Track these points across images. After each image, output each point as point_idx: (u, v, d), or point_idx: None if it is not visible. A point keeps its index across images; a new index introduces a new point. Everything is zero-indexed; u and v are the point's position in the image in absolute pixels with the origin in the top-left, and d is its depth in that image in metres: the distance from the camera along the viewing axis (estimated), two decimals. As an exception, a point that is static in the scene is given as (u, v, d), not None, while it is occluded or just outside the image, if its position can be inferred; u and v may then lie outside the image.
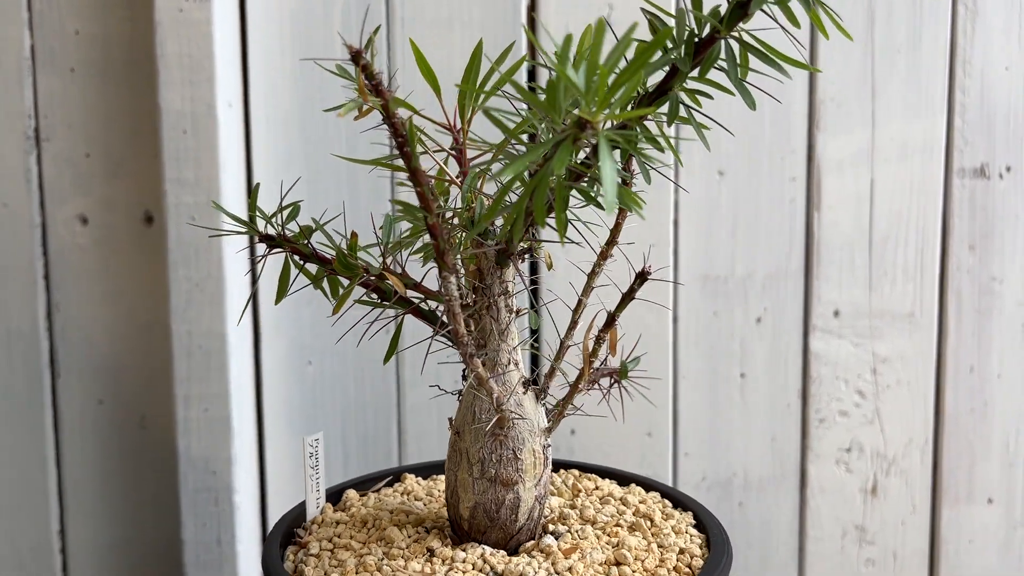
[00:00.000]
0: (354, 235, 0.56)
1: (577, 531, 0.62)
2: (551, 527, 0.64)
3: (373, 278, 0.55)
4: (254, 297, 0.94)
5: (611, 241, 0.58)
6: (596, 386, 0.60)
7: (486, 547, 0.61)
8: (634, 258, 0.96)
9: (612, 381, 0.61)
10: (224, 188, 0.87)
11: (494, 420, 0.56)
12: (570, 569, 0.57)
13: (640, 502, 0.67)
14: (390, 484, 0.73)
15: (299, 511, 0.68)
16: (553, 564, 0.58)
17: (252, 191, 0.56)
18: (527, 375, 0.59)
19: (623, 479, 0.71)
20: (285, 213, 0.59)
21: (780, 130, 0.95)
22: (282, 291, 0.60)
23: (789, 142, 0.96)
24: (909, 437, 0.99)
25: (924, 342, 0.98)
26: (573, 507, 0.66)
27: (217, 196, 0.86)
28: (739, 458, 1.00)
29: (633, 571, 0.57)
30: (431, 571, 0.58)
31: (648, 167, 0.54)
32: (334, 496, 0.70)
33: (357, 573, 0.58)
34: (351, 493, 0.70)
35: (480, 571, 0.58)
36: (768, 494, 1.00)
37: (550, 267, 0.61)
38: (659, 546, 0.60)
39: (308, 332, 0.96)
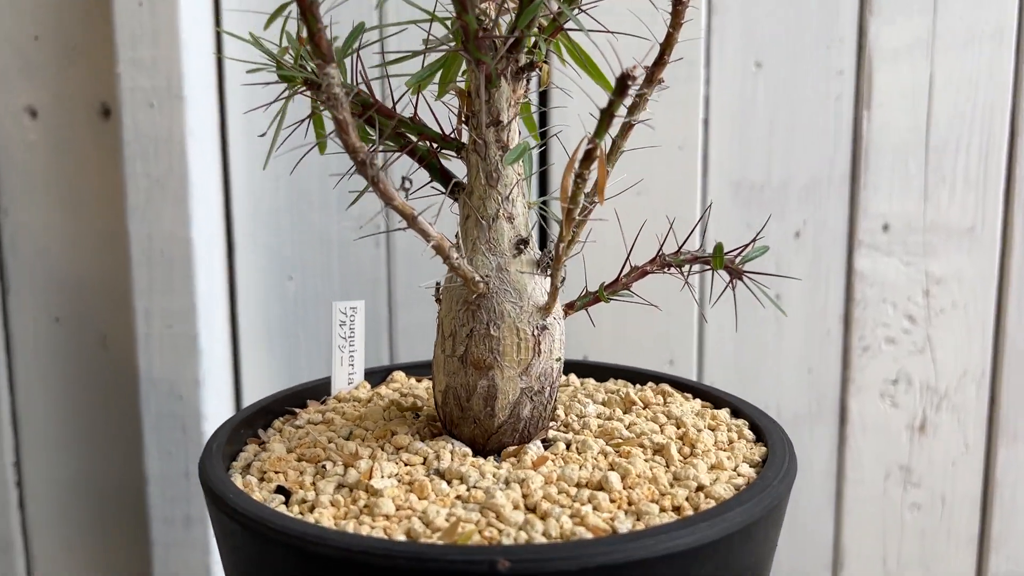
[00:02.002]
0: (300, 39, 0.43)
1: (578, 444, 0.51)
2: (552, 433, 0.53)
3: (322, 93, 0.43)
4: (227, 200, 0.83)
5: (660, 61, 0.45)
6: (672, 271, 0.49)
7: (457, 443, 0.51)
8: (660, 163, 0.84)
9: (732, 279, 0.51)
10: (187, 70, 0.75)
11: (445, 279, 0.45)
12: (523, 482, 0.47)
13: (707, 428, 0.55)
14: None
15: (316, 385, 0.63)
16: (509, 474, 0.48)
17: (283, 25, 0.44)
18: (525, 234, 0.48)
19: (718, 401, 0.60)
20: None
21: (827, 15, 0.83)
22: (321, 143, 0.49)
23: (836, 29, 0.83)
24: (964, 368, 0.88)
25: (985, 260, 0.86)
26: (610, 419, 0.55)
27: (178, 79, 0.75)
28: (771, 391, 0.89)
29: (613, 500, 0.46)
30: (367, 455, 0.51)
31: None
32: (382, 374, 0.66)
33: (307, 448, 0.53)
34: (398, 375, 0.66)
35: (426, 466, 0.50)
36: (803, 431, 0.89)
37: (544, 82, 0.49)
38: (675, 478, 0.49)
39: (288, 243, 0.85)
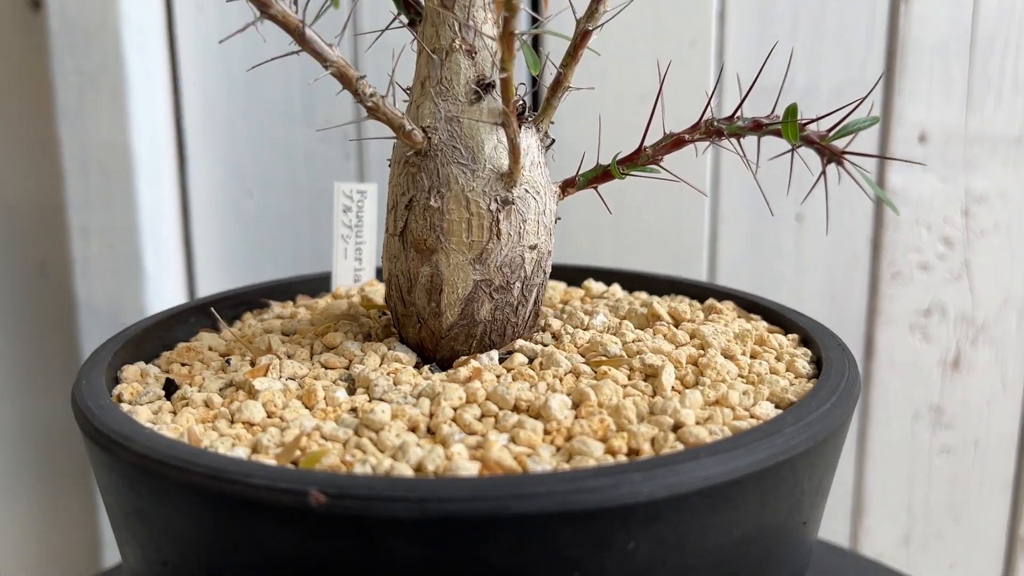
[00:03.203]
0: None
1: (545, 357, 0.42)
2: (522, 343, 0.44)
3: None
4: (177, 105, 0.73)
5: None
6: (725, 143, 0.38)
7: (401, 347, 0.43)
8: (668, 63, 0.74)
9: (827, 160, 0.39)
10: (120, -54, 0.65)
11: (365, 117, 0.36)
12: (434, 399, 0.38)
13: (742, 355, 0.44)
14: None
15: (316, 278, 0.56)
16: (428, 387, 0.39)
17: None
18: (490, 75, 0.37)
19: (790, 326, 0.48)
20: None
21: None
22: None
23: (873, -92, 0.73)
24: (1004, 297, 0.79)
25: (1033, 176, 0.77)
26: (615, 333, 0.45)
27: (110, -43, 0.65)
28: (789, 322, 0.80)
29: (548, 432, 0.36)
30: (282, 352, 0.44)
31: None
32: None
33: (239, 342, 0.47)
34: None
35: (341, 370, 0.42)
36: (824, 366, 0.81)
37: None
38: (649, 412, 0.38)
39: (247, 155, 0.76)
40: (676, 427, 0.37)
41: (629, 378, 0.41)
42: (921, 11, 0.74)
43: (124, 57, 0.66)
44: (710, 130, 0.39)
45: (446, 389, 0.38)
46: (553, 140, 0.39)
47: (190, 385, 0.42)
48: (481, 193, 0.38)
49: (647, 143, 0.43)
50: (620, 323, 0.47)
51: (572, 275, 0.59)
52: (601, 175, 0.41)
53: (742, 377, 0.42)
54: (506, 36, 0.31)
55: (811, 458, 0.35)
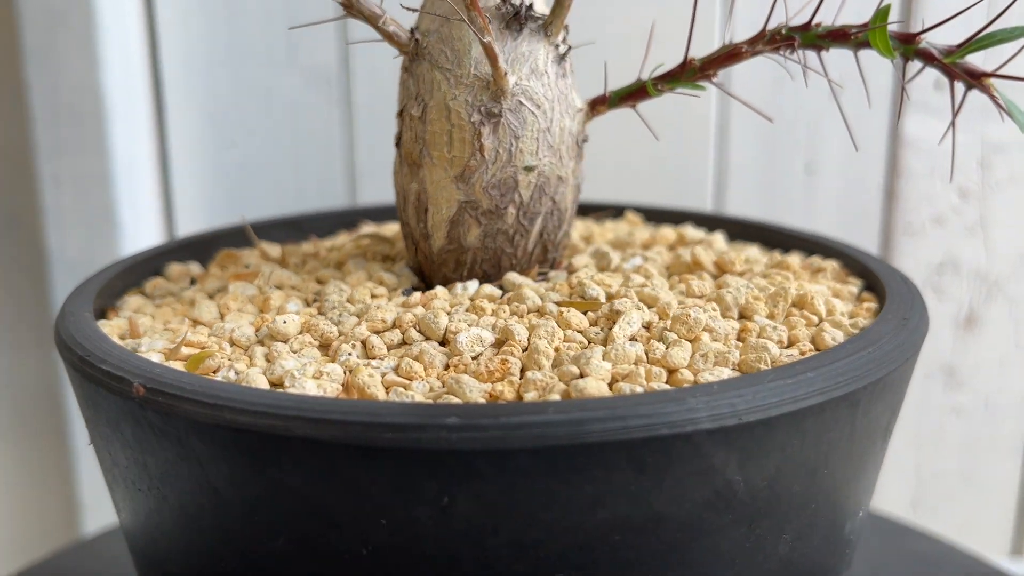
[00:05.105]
0: None
1: (514, 292, 0.39)
2: (511, 276, 0.40)
3: None
4: (154, 48, 0.69)
5: None
6: (794, 55, 0.33)
7: (395, 270, 0.43)
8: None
9: (965, 84, 0.33)
10: None
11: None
12: (360, 319, 0.37)
13: (768, 316, 0.38)
14: None
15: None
16: (367, 308, 0.38)
17: None
18: None
19: (881, 294, 0.43)
20: None
21: None
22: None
23: None
24: (1021, 252, 0.76)
25: (1054, 123, 0.73)
26: (626, 278, 0.41)
27: None
28: (796, 277, 0.77)
29: (448, 366, 0.34)
30: (292, 263, 0.45)
31: None
32: None
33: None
34: None
35: (300, 292, 0.43)
36: (832, 324, 0.78)
37: None
38: (574, 360, 0.34)
39: (229, 102, 0.72)
40: (579, 376, 0.33)
41: (593, 323, 0.37)
42: (939, -52, 0.70)
43: (94, -7, 0.62)
44: (777, 39, 0.33)
45: (376, 311, 0.36)
46: (569, 47, 0.35)
47: (205, 282, 0.44)
48: (464, 103, 0.35)
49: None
50: (639, 267, 0.43)
51: (676, 218, 0.55)
52: (637, 91, 0.36)
53: (741, 340, 0.37)
54: None
55: (739, 443, 0.29)
